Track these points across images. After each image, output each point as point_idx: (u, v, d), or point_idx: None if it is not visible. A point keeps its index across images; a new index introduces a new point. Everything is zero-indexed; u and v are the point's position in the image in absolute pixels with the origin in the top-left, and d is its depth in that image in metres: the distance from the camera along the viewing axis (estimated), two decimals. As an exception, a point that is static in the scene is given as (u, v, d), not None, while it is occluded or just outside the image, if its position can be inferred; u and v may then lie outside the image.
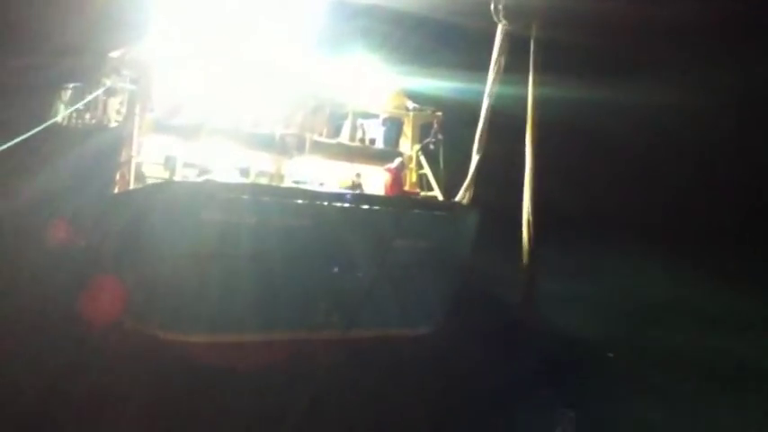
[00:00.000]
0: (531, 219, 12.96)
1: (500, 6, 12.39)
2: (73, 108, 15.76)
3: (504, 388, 11.80)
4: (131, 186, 12.24)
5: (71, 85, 22.23)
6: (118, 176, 12.66)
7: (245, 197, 11.18)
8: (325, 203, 11.90)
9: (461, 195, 13.44)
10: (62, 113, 22.10)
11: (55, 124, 21.19)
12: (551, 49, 12.62)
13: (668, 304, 15.30)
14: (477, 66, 14.39)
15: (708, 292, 15.44)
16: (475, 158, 13.36)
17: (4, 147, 11.66)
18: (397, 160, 15.04)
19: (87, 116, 18.42)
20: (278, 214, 11.47)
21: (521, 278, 13.47)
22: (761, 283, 16.33)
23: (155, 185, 12.17)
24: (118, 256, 11.84)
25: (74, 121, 19.96)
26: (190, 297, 11.21)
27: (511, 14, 12.50)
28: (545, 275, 14.15)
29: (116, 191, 12.57)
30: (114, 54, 18.40)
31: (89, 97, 14.85)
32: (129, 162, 12.47)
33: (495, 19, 12.60)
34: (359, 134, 16.47)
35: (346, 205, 12.21)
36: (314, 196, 11.94)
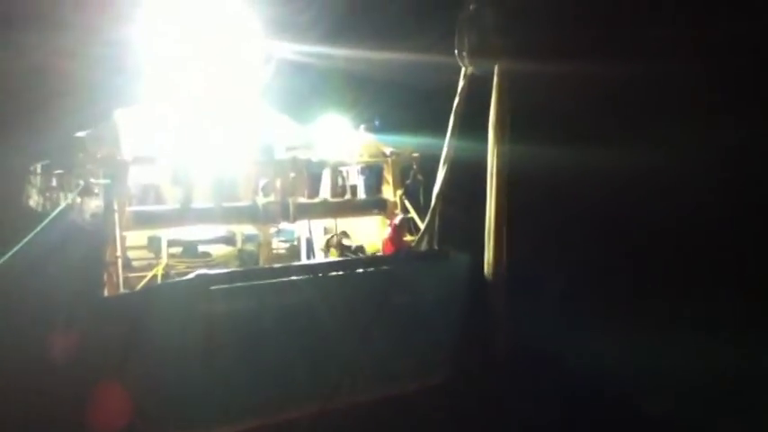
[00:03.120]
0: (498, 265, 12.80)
1: (464, 53, 12.35)
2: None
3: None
4: (121, 290, 12.06)
5: (40, 165, 22.05)
6: (105, 278, 12.44)
7: (240, 284, 11.08)
8: (322, 275, 11.86)
9: (417, 242, 13.54)
10: (33, 198, 21.93)
11: (27, 211, 20.97)
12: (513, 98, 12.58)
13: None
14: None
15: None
16: (435, 207, 13.35)
17: None
18: (399, 217, 15.08)
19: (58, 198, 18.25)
20: (276, 293, 11.42)
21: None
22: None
23: (147, 290, 12.02)
24: (119, 362, 11.64)
25: (47, 205, 19.75)
26: (200, 390, 11.11)
27: (475, 57, 12.46)
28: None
29: (105, 295, 12.35)
30: (81, 134, 18.28)
31: (66, 200, 14.51)
32: (115, 263, 12.26)
33: (460, 63, 12.57)
34: (340, 182, 16.43)
35: (342, 273, 12.18)
36: (309, 269, 11.89)
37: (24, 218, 19.66)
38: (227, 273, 11.45)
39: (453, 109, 13.01)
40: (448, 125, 13.15)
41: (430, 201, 15.14)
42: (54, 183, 20.72)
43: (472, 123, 13.05)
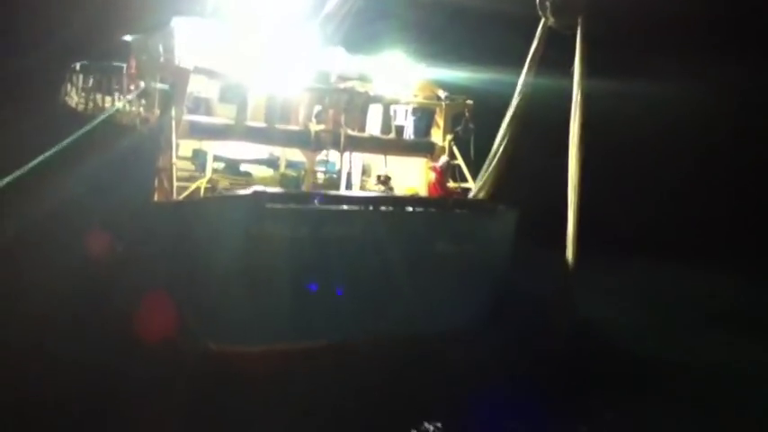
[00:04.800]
0: (575, 222, 12.66)
1: (547, 3, 12.01)
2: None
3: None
4: (173, 196, 11.98)
5: (79, 65, 21.77)
6: (156, 183, 12.39)
7: (295, 206, 11.03)
8: (374, 208, 11.81)
9: (476, 191, 13.41)
10: (72, 97, 21.70)
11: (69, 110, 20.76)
12: (594, 47, 12.28)
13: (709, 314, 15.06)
14: (509, 55, 14.10)
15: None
16: (500, 154, 13.18)
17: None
18: (443, 159, 14.87)
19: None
20: (326, 221, 11.37)
21: (559, 283, 13.41)
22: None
23: (203, 200, 11.94)
24: (165, 270, 11.68)
25: (89, 106, 19.55)
26: (242, 308, 11.14)
27: (557, 10, 12.12)
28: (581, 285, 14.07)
29: (156, 200, 12.32)
30: (128, 37, 17.97)
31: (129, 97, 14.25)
32: (169, 169, 12.18)
33: (542, 14, 12.24)
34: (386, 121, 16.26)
35: (391, 209, 12.13)
36: (364, 201, 11.83)
37: (64, 117, 19.48)
38: (284, 193, 11.38)
39: (529, 57, 12.74)
40: (510, 67, 12.93)
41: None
42: (91, 84, 20.53)
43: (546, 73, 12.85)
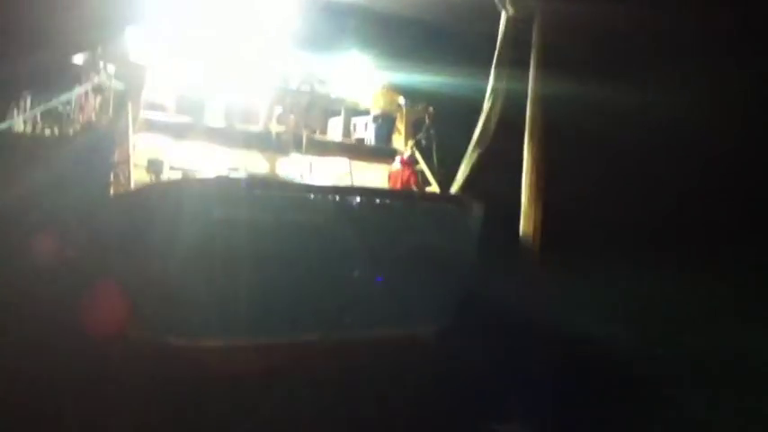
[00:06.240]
0: (536, 219, 12.67)
1: (505, -7, 12.25)
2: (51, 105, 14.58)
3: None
4: (131, 188, 11.51)
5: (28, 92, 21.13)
6: (113, 178, 11.91)
7: (259, 193, 10.67)
8: (338, 198, 11.52)
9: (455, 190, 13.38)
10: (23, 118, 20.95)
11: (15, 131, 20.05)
12: (556, 44, 12.54)
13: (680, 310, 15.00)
14: (469, 62, 14.32)
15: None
16: (473, 154, 13.21)
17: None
18: (408, 153, 14.81)
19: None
20: (291, 210, 11.02)
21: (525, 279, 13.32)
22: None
23: (162, 184, 11.51)
24: (122, 262, 11.10)
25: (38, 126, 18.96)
26: (203, 300, 10.60)
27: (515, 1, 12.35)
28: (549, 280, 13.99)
29: (113, 193, 11.82)
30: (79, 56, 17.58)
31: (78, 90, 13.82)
32: (126, 162, 11.74)
33: (499, 5, 12.46)
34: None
35: (359, 199, 11.86)
36: (329, 191, 11.54)
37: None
38: (248, 179, 11.05)
39: (495, 57, 12.87)
40: (475, 72, 13.07)
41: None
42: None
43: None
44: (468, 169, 13.42)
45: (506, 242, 14.29)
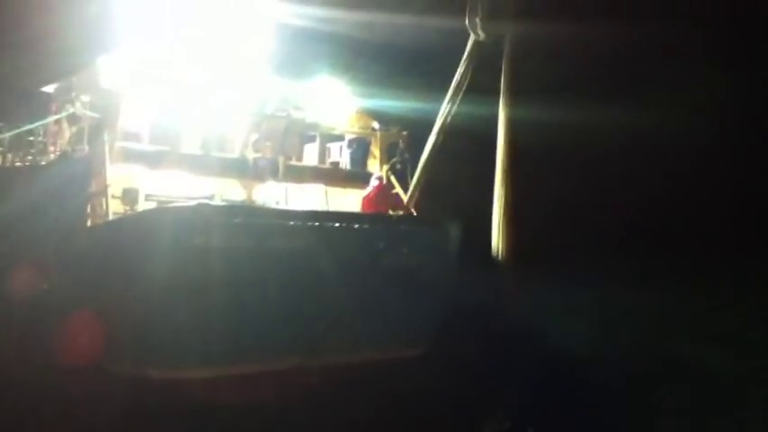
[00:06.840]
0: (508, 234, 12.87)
1: (477, 19, 12.44)
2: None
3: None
4: (109, 218, 11.43)
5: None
6: (89, 209, 11.82)
7: (240, 220, 10.67)
8: (316, 223, 11.58)
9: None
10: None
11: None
12: (526, 67, 12.77)
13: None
14: (442, 87, 14.51)
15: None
16: (420, 173, 13.44)
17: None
18: (382, 171, 14.97)
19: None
20: (269, 237, 11.02)
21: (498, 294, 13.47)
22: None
23: (141, 213, 11.45)
24: (100, 294, 10.99)
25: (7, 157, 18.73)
26: (182, 330, 10.51)
27: (487, 26, 12.56)
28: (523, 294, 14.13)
29: (90, 224, 11.72)
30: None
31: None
32: (103, 192, 11.66)
33: (472, 32, 12.68)
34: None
35: (336, 224, 11.93)
36: (306, 217, 11.58)
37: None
38: (232, 207, 11.08)
39: (456, 78, 13.11)
40: (443, 93, 13.27)
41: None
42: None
43: (474, 92, 13.19)
44: (416, 186, 13.83)
45: (480, 259, 14.48)
